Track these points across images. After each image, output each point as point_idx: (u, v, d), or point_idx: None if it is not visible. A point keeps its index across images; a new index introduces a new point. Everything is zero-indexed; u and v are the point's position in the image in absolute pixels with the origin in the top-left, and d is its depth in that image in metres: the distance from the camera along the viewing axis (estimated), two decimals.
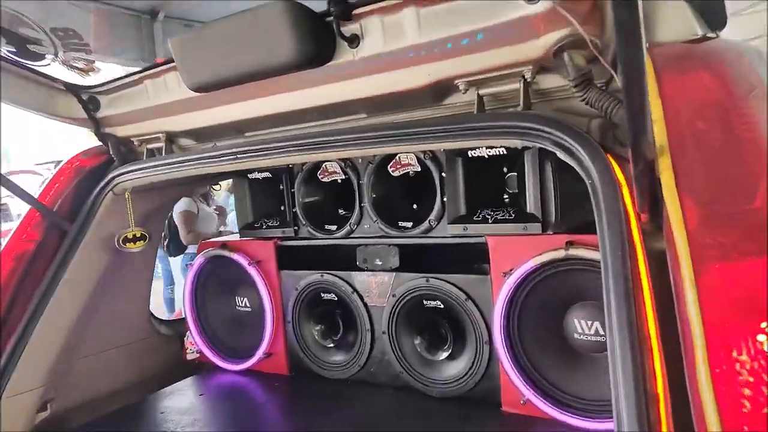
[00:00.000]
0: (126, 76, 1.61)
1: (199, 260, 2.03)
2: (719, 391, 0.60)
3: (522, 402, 1.44)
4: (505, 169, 1.51)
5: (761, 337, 0.61)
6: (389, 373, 1.71)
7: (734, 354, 0.61)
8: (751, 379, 0.58)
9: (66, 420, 1.81)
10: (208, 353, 2.05)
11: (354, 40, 1.19)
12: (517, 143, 1.04)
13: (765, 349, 0.61)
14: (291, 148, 1.39)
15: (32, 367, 1.71)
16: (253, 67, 1.28)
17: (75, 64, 1.56)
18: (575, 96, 1.02)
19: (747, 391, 0.58)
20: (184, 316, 2.15)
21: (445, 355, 1.60)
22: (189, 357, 2.12)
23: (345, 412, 1.60)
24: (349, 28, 1.18)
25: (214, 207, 4.69)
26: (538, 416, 1.43)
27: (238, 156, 1.45)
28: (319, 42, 1.21)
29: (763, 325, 0.62)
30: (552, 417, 1.40)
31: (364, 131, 1.27)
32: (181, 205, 4.39)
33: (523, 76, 1.07)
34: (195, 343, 2.09)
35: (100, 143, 1.83)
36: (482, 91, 1.14)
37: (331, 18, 1.18)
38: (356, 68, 1.23)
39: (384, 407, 1.61)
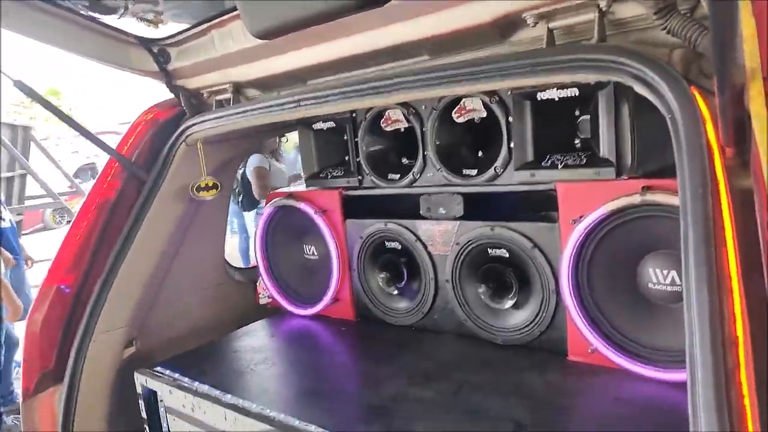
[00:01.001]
0: (192, 27, 1.64)
1: (268, 210, 2.09)
2: None
3: (590, 351, 1.40)
4: (577, 113, 1.43)
5: None
6: (453, 321, 1.71)
7: None
8: None
9: (149, 356, 1.94)
10: (279, 298, 2.13)
11: None
12: (591, 78, 0.98)
13: None
14: (353, 93, 1.37)
15: (118, 308, 1.84)
16: (316, 10, 1.26)
17: (145, 17, 1.59)
18: (656, 25, 0.94)
19: None
20: (256, 263, 2.23)
21: (510, 303, 1.58)
22: (261, 301, 2.22)
23: (409, 357, 1.63)
24: None
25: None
26: (606, 366, 1.39)
27: (301, 103, 1.45)
28: None
29: None
30: (621, 366, 1.36)
31: (428, 72, 1.23)
32: (253, 162, 4.54)
33: (598, 5, 0.99)
34: (267, 289, 2.17)
35: (172, 95, 1.89)
36: (552, 24, 1.07)
37: None
38: (418, 6, 1.18)
39: (447, 354, 1.62)
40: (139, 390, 1.73)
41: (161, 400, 1.66)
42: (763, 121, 0.64)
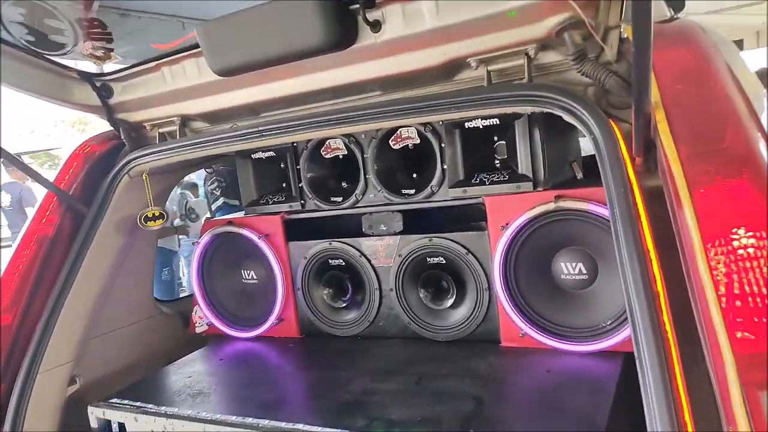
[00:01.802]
0: (142, 63, 1.71)
1: (205, 238, 2.15)
2: (714, 271, 0.84)
3: (520, 335, 1.68)
4: (495, 138, 1.73)
5: (740, 231, 0.85)
6: (398, 325, 1.91)
7: (723, 247, 0.85)
8: (741, 263, 0.83)
9: (92, 392, 1.90)
10: (219, 324, 2.18)
11: (376, 26, 1.36)
12: (527, 109, 1.26)
13: (741, 243, 0.86)
14: (311, 125, 1.55)
15: (61, 344, 1.81)
16: (281, 51, 1.43)
17: (94, 53, 1.64)
18: (572, 69, 1.25)
19: (738, 265, 0.82)
20: (189, 293, 2.26)
21: (448, 303, 1.82)
22: (198, 330, 2.24)
23: (363, 360, 1.79)
24: (372, 15, 1.36)
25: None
26: (534, 347, 1.67)
27: (263, 133, 1.60)
28: (344, 27, 1.38)
29: (740, 229, 0.86)
30: (546, 345, 1.65)
31: (383, 106, 1.45)
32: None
33: (527, 53, 1.28)
34: (204, 317, 2.21)
35: (110, 129, 1.92)
36: (491, 67, 1.35)
37: (357, 5, 1.35)
38: (377, 50, 1.41)
39: (398, 354, 1.81)
40: (94, 425, 1.70)
41: (118, 431, 1.66)
42: (668, 137, 0.94)
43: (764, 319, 0.81)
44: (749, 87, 1.09)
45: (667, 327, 0.97)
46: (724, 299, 0.83)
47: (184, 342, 2.31)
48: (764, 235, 0.84)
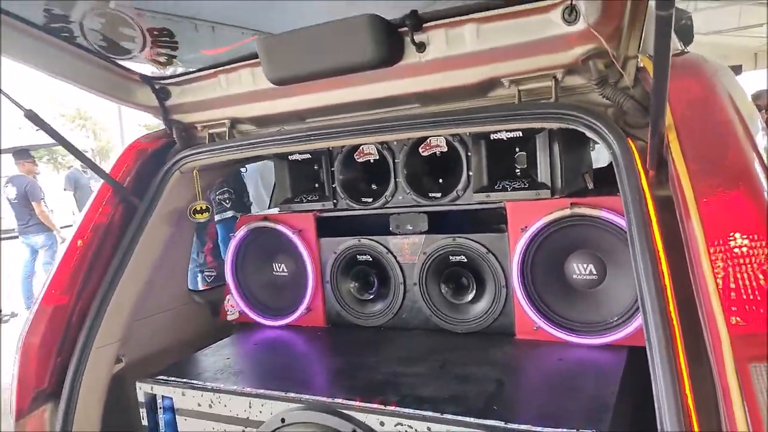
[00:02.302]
0: (201, 69, 1.89)
1: (241, 232, 2.32)
2: (715, 267, 1.02)
3: (534, 328, 1.85)
4: (517, 149, 1.92)
5: (737, 234, 1.03)
6: (420, 317, 2.08)
7: (722, 246, 1.03)
8: (737, 261, 1.01)
9: (133, 372, 2.06)
10: (250, 313, 2.35)
11: (421, 47, 1.54)
12: (554, 125, 1.44)
13: (737, 243, 1.04)
14: (352, 132, 1.73)
15: (110, 325, 1.97)
16: (334, 65, 1.61)
17: (157, 59, 1.81)
18: (594, 91, 1.43)
19: (735, 262, 1.00)
20: (222, 283, 2.43)
21: (468, 298, 2.00)
22: (230, 317, 2.41)
23: (389, 348, 1.96)
24: (419, 37, 1.54)
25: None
26: (547, 339, 1.84)
27: (309, 138, 1.77)
28: (392, 47, 1.56)
29: (737, 233, 1.04)
30: (558, 338, 1.82)
31: (421, 118, 1.63)
32: None
33: (555, 77, 1.46)
34: (236, 305, 2.38)
35: (162, 128, 2.09)
36: (521, 87, 1.53)
37: (405, 28, 1.53)
38: (420, 68, 1.59)
39: (420, 344, 1.98)
40: (141, 399, 1.86)
41: (161, 407, 1.81)
42: (679, 154, 1.12)
43: (754, 307, 0.98)
44: (745, 110, 1.27)
45: (673, 316, 1.14)
46: (721, 290, 1.01)
47: (213, 329, 2.47)
48: (757, 237, 1.02)
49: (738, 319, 0.99)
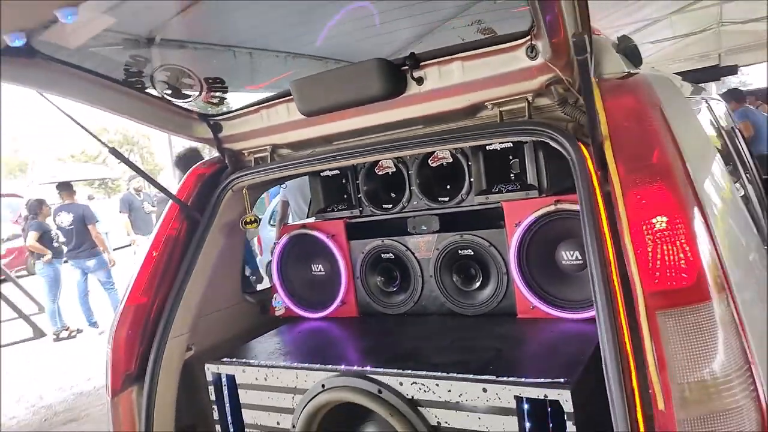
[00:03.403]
0: (246, 107, 2.31)
1: (283, 239, 2.74)
2: (634, 243, 1.36)
3: (531, 308, 2.19)
4: (509, 157, 2.27)
5: (655, 220, 1.37)
6: (436, 304, 2.44)
7: (641, 227, 1.37)
8: (651, 238, 1.34)
9: (201, 358, 2.48)
10: (294, 307, 2.76)
11: (420, 81, 1.93)
12: (526, 139, 1.80)
13: (657, 228, 1.37)
14: (371, 151, 2.11)
15: (182, 319, 2.39)
16: (352, 98, 2.01)
17: (211, 100, 2.25)
18: (557, 110, 1.78)
19: (649, 240, 1.33)
20: (269, 284, 2.85)
21: (476, 285, 2.35)
22: (277, 313, 2.82)
23: (411, 329, 2.33)
24: (417, 73, 1.92)
25: None
26: (542, 316, 2.18)
27: (336, 157, 2.17)
28: (397, 82, 1.95)
29: (658, 216, 1.38)
30: (551, 314, 2.15)
31: (425, 137, 2.01)
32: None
33: (527, 99, 1.82)
34: (283, 301, 2.79)
35: (217, 155, 2.54)
36: (502, 108, 1.88)
37: (406, 67, 1.91)
38: (420, 97, 1.97)
39: (435, 326, 2.35)
40: (209, 378, 2.29)
41: (225, 384, 2.22)
42: (611, 158, 1.46)
43: (657, 272, 1.32)
44: (676, 119, 1.60)
45: (615, 281, 1.47)
46: (638, 260, 1.35)
47: (263, 323, 2.89)
48: (667, 221, 1.36)
49: (651, 280, 1.33)
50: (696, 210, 1.41)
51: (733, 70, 3.59)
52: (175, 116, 2.33)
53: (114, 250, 10.09)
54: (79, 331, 9.80)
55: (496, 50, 1.76)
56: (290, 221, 5.96)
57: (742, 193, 2.48)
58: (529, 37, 1.66)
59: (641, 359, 1.35)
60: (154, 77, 2.12)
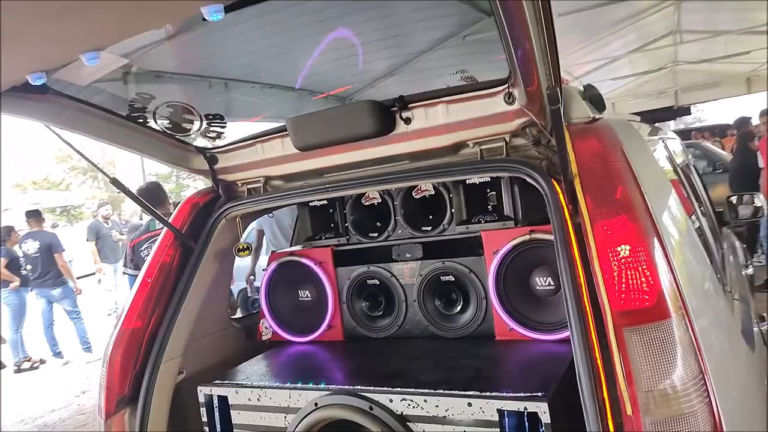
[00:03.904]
0: (242, 140, 2.46)
1: (272, 266, 2.86)
2: (602, 269, 1.54)
3: (509, 330, 2.35)
4: (488, 191, 2.46)
5: (620, 248, 1.56)
6: (420, 327, 2.59)
7: (607, 253, 1.56)
8: (617, 264, 1.53)
9: (189, 382, 2.56)
10: (281, 332, 2.86)
11: (408, 121, 2.11)
12: (505, 174, 1.99)
13: (618, 253, 1.56)
14: (360, 184, 2.28)
15: (175, 342, 2.47)
16: (345, 135, 2.18)
17: (209, 135, 2.39)
18: (532, 149, 1.98)
19: (615, 266, 1.52)
20: (253, 311, 2.95)
21: (457, 309, 2.51)
22: (264, 337, 2.92)
23: (396, 351, 2.47)
24: (405, 113, 2.11)
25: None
26: (518, 338, 2.35)
27: (327, 189, 2.33)
28: (386, 121, 2.13)
29: (618, 246, 1.57)
30: (527, 336, 2.32)
31: (411, 171, 2.18)
32: None
33: (505, 139, 2.02)
34: (270, 326, 2.89)
35: (210, 186, 2.66)
36: (482, 147, 2.08)
37: (395, 108, 2.10)
38: (408, 136, 2.15)
39: (419, 348, 2.49)
40: (201, 399, 2.37)
41: (217, 405, 2.31)
42: (581, 193, 1.66)
43: (623, 294, 1.50)
44: (636, 159, 1.82)
45: (586, 302, 1.66)
46: (606, 283, 1.54)
47: (250, 348, 2.97)
48: (630, 249, 1.55)
49: (618, 301, 1.51)
50: (655, 239, 1.61)
51: (686, 111, 3.94)
52: (174, 149, 2.46)
53: (78, 278, 9.92)
54: (42, 361, 9.56)
55: (477, 95, 1.97)
56: (264, 250, 6.07)
57: (698, 225, 2.72)
58: (507, 85, 1.87)
59: (610, 371, 1.53)
60: (156, 113, 2.25)
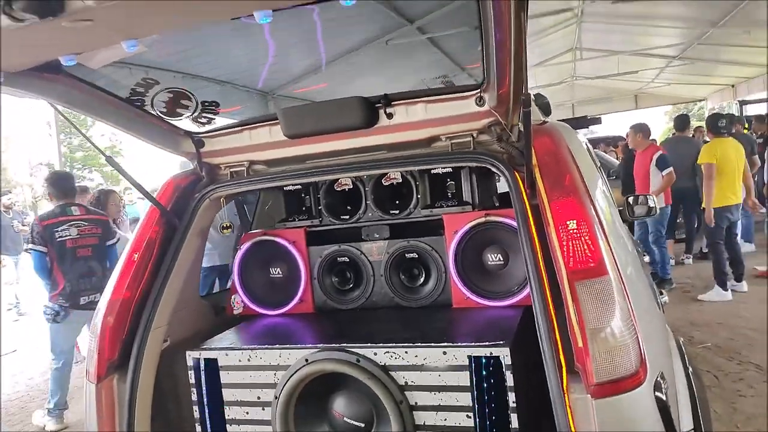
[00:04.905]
0: (231, 126, 2.68)
1: (246, 245, 3.09)
2: (560, 239, 1.98)
3: (465, 299, 2.76)
4: (448, 180, 2.86)
5: (569, 222, 2.00)
6: (386, 299, 2.93)
7: (562, 227, 1.99)
8: (570, 235, 1.97)
9: (175, 349, 2.74)
10: (253, 306, 3.09)
11: (390, 116, 2.45)
12: (472, 164, 2.39)
13: (571, 228, 2.00)
14: (339, 170, 2.59)
15: (161, 313, 2.64)
16: (332, 126, 2.48)
17: (200, 120, 2.60)
18: (495, 144, 2.40)
19: (569, 236, 1.96)
20: (225, 288, 3.16)
21: (419, 282, 2.88)
22: (236, 312, 3.13)
23: (367, 320, 2.80)
24: (389, 109, 2.45)
25: None
26: (473, 306, 2.76)
27: (308, 174, 2.61)
28: (371, 116, 2.46)
29: (569, 220, 2.01)
30: (480, 303, 2.74)
31: (388, 160, 2.53)
32: None
33: (473, 135, 2.42)
34: (241, 302, 3.11)
35: (192, 168, 2.85)
36: (452, 141, 2.46)
37: (380, 104, 2.43)
38: (389, 129, 2.49)
39: (387, 315, 2.84)
40: (189, 363, 2.57)
41: (203, 368, 2.52)
42: (540, 180, 2.09)
43: (572, 258, 1.94)
44: (577, 154, 2.28)
45: (544, 277, 2.07)
46: (563, 250, 1.97)
47: (223, 322, 3.15)
48: (577, 222, 1.99)
49: (571, 263, 1.95)
50: (594, 215, 2.07)
51: (597, 121, 4.58)
52: (165, 132, 2.64)
53: None
54: None
55: (453, 97, 2.35)
56: None
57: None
58: (479, 90, 2.27)
59: (563, 317, 1.96)
60: (154, 98, 2.44)
